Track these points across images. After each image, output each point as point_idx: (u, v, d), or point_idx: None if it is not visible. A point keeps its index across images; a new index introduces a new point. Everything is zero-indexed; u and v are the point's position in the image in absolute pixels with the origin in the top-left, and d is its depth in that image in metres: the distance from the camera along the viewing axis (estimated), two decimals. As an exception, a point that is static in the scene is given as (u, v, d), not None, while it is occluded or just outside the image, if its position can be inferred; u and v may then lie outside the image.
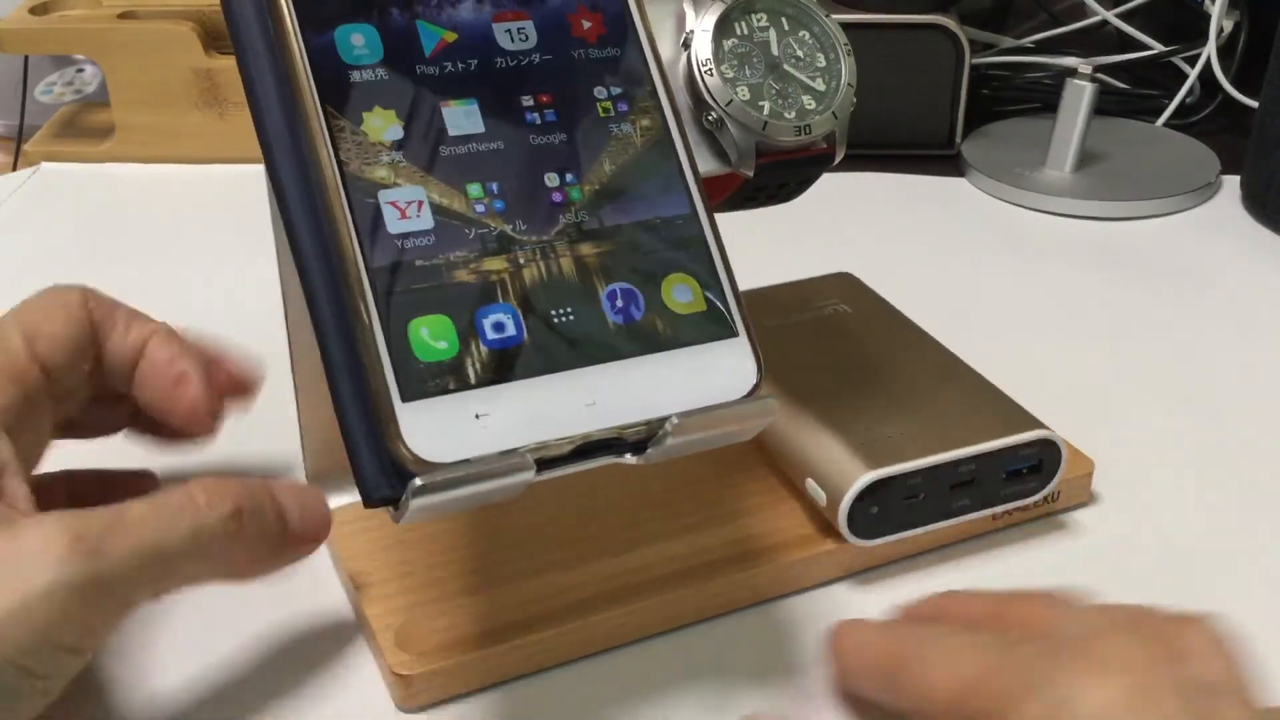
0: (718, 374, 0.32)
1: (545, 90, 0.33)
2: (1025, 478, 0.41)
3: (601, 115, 0.34)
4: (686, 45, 0.37)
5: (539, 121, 0.33)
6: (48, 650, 0.29)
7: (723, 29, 0.37)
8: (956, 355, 0.46)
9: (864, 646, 0.35)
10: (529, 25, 0.33)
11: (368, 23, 0.32)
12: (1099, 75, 0.67)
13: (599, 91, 0.34)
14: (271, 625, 0.38)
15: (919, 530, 0.40)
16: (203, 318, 0.56)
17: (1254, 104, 0.67)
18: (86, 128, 0.75)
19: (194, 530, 0.31)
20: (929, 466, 0.39)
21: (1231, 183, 0.68)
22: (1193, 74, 0.76)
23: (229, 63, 0.70)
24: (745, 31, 0.38)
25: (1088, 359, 0.53)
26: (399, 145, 0.31)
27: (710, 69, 0.36)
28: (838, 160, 0.39)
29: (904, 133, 0.72)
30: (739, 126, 0.37)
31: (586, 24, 0.34)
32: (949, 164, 0.71)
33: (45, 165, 0.72)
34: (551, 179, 0.32)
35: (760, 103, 0.37)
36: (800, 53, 0.38)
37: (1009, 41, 0.84)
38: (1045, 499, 0.42)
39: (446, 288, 0.30)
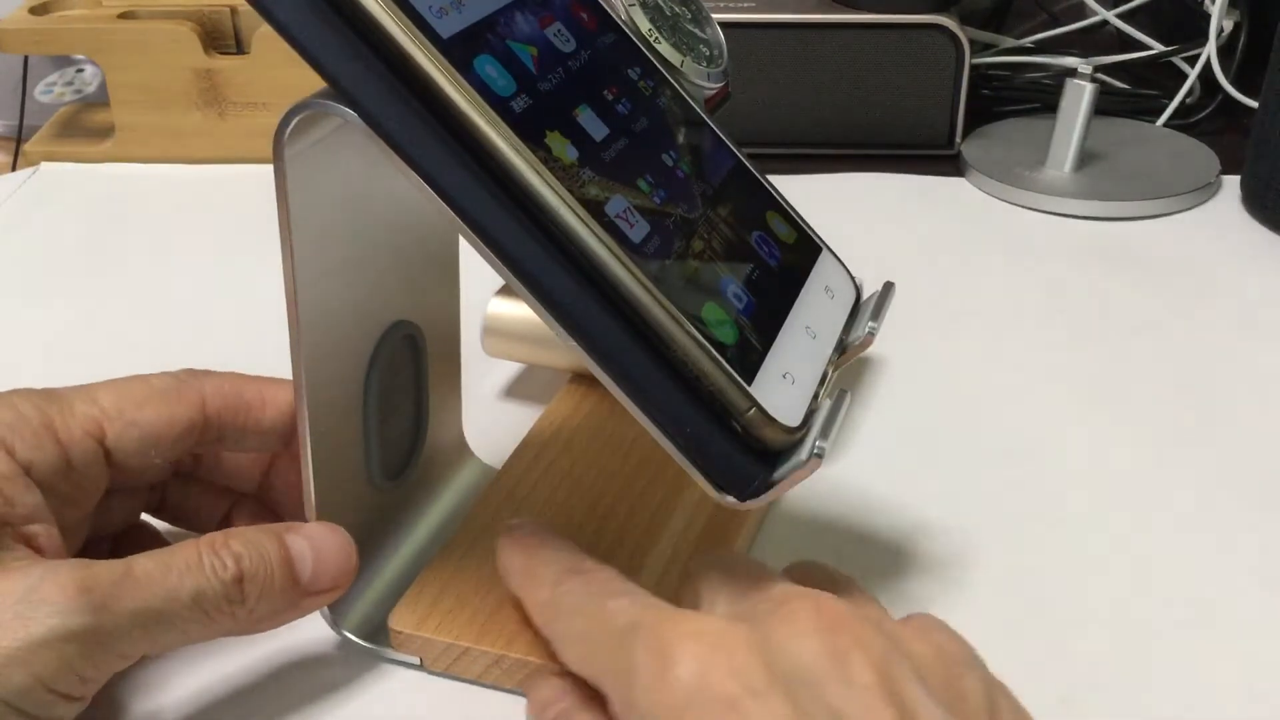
0: (839, 288, 0.36)
1: (610, 83, 0.33)
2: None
3: (647, 94, 0.34)
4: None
5: (626, 112, 0.33)
6: (41, 693, 0.29)
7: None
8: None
9: (531, 610, 0.34)
10: (561, 26, 0.33)
11: (486, 52, 0.30)
12: (1099, 75, 0.67)
13: (633, 74, 0.35)
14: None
15: None
16: (202, 319, 0.57)
17: (1254, 104, 0.67)
18: (86, 128, 0.75)
19: (196, 594, 0.31)
20: None
21: (1231, 183, 0.68)
22: (1193, 74, 0.76)
23: (229, 63, 0.70)
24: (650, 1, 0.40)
25: (1087, 359, 0.53)
26: (582, 161, 0.30)
27: (657, 37, 0.38)
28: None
29: (904, 133, 0.72)
30: (691, 84, 0.39)
31: (585, 16, 0.34)
32: (949, 164, 0.71)
33: (45, 165, 0.72)
34: (668, 159, 0.33)
35: (684, 58, 0.40)
36: (679, 9, 0.41)
37: (1009, 41, 0.84)
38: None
39: (692, 277, 0.31)
